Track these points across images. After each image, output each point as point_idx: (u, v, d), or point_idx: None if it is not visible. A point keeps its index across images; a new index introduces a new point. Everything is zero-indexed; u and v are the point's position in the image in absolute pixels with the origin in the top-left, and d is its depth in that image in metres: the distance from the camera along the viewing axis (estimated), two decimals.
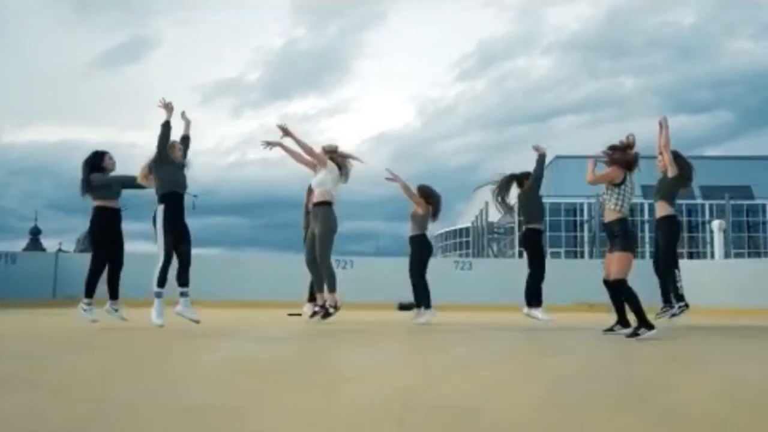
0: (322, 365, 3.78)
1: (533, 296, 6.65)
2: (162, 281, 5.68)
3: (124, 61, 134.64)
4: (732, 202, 35.69)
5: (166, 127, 5.87)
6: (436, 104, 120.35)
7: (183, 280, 5.93)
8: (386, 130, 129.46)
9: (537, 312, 6.52)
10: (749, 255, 39.20)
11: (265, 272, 12.18)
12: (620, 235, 5.54)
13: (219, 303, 11.34)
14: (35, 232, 69.12)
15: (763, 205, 45.41)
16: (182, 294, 5.88)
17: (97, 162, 6.34)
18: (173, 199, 5.85)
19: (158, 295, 5.62)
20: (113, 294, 6.35)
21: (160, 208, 5.79)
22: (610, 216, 5.65)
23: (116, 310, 6.31)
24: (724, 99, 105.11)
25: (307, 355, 4.39)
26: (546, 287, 7.12)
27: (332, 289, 6.35)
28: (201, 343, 4.98)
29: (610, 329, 6.00)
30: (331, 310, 6.21)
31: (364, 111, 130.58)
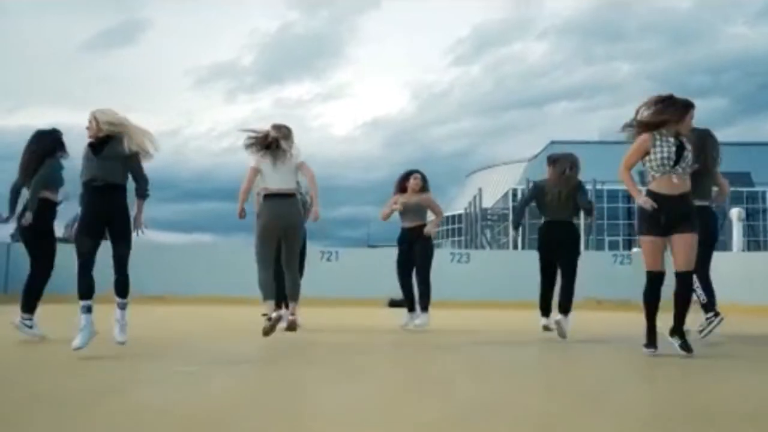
0: (272, 418, 2.60)
1: (570, 301, 5.46)
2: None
3: (117, 44, 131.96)
4: (731, 188, 34.72)
5: None
6: (431, 89, 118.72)
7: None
8: (380, 116, 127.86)
9: (569, 320, 5.34)
10: (749, 243, 38.34)
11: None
12: (694, 213, 4.24)
13: (202, 299, 10.54)
14: None
15: (763, 192, 44.59)
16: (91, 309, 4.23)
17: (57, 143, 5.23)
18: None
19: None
20: (32, 307, 5.11)
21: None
22: (683, 188, 4.20)
23: (30, 327, 5.04)
24: (719, 85, 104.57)
25: (258, 395, 3.18)
26: None
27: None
28: (124, 374, 3.78)
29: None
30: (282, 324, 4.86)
31: (359, 96, 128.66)
